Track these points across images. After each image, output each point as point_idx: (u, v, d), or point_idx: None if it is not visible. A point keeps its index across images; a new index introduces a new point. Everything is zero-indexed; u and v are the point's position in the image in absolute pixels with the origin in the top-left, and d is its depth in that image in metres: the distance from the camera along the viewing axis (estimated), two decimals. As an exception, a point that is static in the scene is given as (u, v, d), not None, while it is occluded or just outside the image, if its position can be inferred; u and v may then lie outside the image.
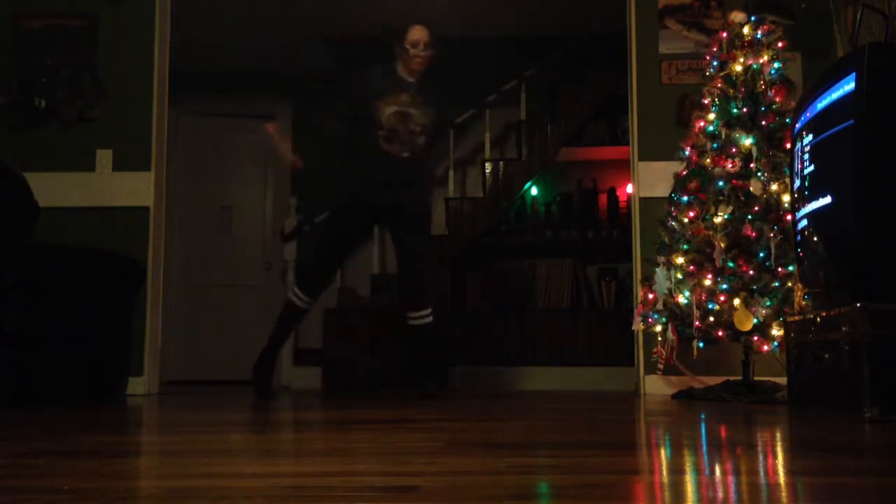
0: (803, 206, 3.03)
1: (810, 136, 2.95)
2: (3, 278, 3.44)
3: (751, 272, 3.58)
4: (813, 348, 2.90)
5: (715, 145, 3.79)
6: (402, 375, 4.99)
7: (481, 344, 5.84)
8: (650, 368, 4.12)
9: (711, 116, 3.85)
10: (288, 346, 5.48)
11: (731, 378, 3.79)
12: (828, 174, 2.86)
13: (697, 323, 3.63)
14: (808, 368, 2.96)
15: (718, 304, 3.61)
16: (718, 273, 3.63)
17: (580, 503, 1.17)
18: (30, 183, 3.82)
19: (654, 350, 3.89)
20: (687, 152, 3.89)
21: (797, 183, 3.11)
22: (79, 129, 4.49)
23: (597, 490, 1.26)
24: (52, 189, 4.28)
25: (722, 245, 3.64)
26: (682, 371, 3.99)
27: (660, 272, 3.81)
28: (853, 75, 2.64)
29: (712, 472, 1.48)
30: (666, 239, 3.88)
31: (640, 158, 4.41)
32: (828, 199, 2.81)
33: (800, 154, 3.06)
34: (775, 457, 1.71)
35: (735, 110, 3.79)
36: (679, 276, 3.73)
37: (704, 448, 1.85)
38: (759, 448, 1.86)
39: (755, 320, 3.53)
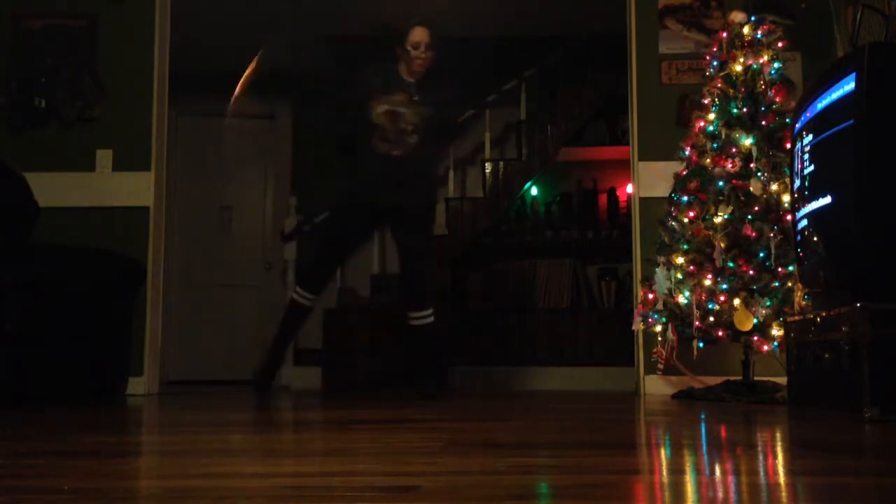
0: (803, 206, 3.03)
1: (810, 136, 2.95)
2: (3, 278, 3.44)
3: (751, 272, 3.58)
4: (813, 348, 2.90)
5: (715, 145, 3.79)
6: (402, 375, 4.98)
7: (481, 344, 5.84)
8: (650, 368, 4.12)
9: (711, 116, 3.85)
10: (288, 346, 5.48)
11: (731, 378, 3.79)
12: (828, 174, 2.86)
13: (697, 323, 3.63)
14: (808, 368, 2.96)
15: (718, 304, 3.61)
16: (718, 273, 3.63)
17: (580, 503, 1.17)
18: (30, 183, 3.81)
19: (654, 350, 3.89)
20: (687, 152, 3.89)
21: (797, 183, 3.11)
22: (79, 129, 4.49)
23: (597, 490, 1.26)
24: (52, 189, 4.28)
25: (722, 245, 3.64)
26: (682, 371, 3.99)
27: (660, 272, 3.81)
28: (853, 75, 2.64)
29: (712, 472, 1.48)
30: (666, 239, 3.88)
31: (640, 158, 4.41)
32: (828, 199, 2.81)
33: (800, 154, 3.06)
34: (775, 457, 1.71)
35: (735, 110, 3.79)
36: (679, 276, 3.73)
37: (704, 448, 1.85)
38: (759, 448, 1.86)
39: (755, 320, 3.53)
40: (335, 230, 4.35)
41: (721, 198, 3.71)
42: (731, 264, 3.61)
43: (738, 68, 3.83)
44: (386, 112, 4.03)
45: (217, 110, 7.00)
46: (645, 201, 4.37)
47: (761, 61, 3.81)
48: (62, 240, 4.06)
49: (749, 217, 3.64)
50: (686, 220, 3.77)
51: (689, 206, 3.78)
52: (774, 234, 3.59)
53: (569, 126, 6.09)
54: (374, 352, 5.30)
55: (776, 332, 3.54)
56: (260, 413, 3.27)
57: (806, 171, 2.99)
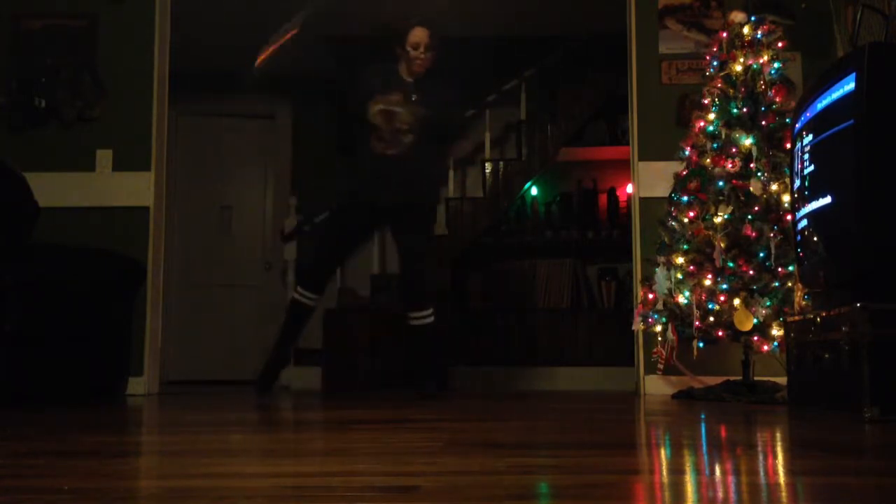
0: (803, 206, 3.03)
1: (810, 136, 2.95)
2: (3, 278, 3.44)
3: (751, 272, 3.58)
4: (813, 348, 2.90)
5: (715, 145, 3.79)
6: (402, 375, 4.99)
7: (482, 344, 5.84)
8: (650, 368, 4.12)
9: (711, 116, 3.85)
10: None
11: (731, 378, 3.79)
12: (828, 174, 2.86)
13: (697, 323, 3.63)
14: (808, 368, 2.96)
15: (718, 304, 3.61)
16: (718, 273, 3.63)
17: (580, 503, 1.17)
18: (30, 183, 3.81)
19: (654, 350, 3.89)
20: (687, 152, 3.89)
21: (797, 183, 3.11)
22: (79, 129, 4.49)
23: (597, 490, 1.26)
24: (52, 189, 4.28)
25: (722, 245, 3.64)
26: (682, 371, 3.99)
27: (660, 272, 3.81)
28: (853, 75, 2.64)
29: (712, 472, 1.48)
30: (666, 239, 3.88)
31: (640, 158, 4.41)
32: (828, 199, 2.81)
33: (800, 154, 3.06)
34: (775, 457, 1.71)
35: (735, 110, 3.79)
36: (679, 276, 3.73)
37: (704, 448, 1.85)
38: (759, 448, 1.86)
39: (755, 320, 3.53)
40: (335, 230, 4.35)
41: (721, 198, 3.71)
42: (731, 264, 3.61)
43: (738, 68, 3.83)
44: (381, 111, 4.04)
45: (217, 110, 7.04)
46: (645, 201, 4.37)
47: (761, 61, 3.81)
48: (62, 240, 4.06)
49: (749, 217, 3.64)
50: (686, 220, 3.78)
51: (689, 206, 3.78)
52: (774, 234, 3.59)
53: (569, 126, 6.09)
54: (374, 352, 5.30)
55: (776, 332, 3.54)
56: (260, 413, 3.27)
57: (806, 171, 2.99)
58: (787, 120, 3.67)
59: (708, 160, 3.77)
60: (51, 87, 4.48)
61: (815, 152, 2.91)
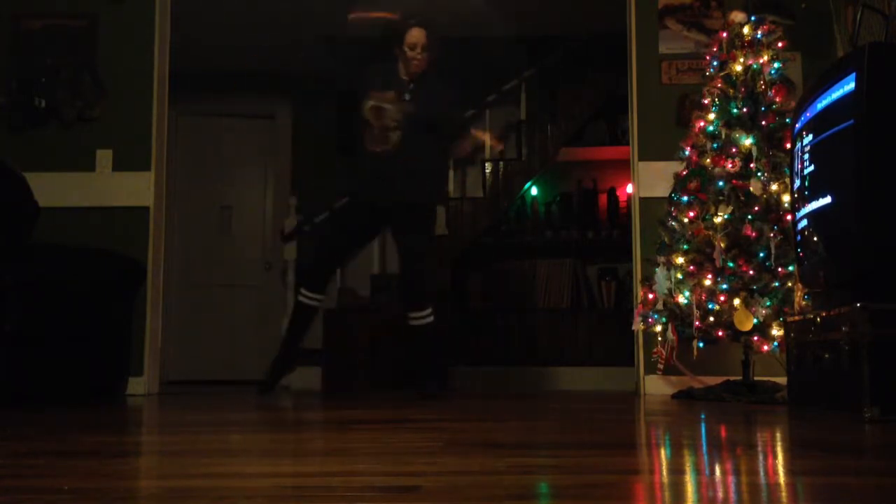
0: (803, 206, 3.03)
1: (810, 136, 2.95)
2: (3, 278, 3.44)
3: (751, 272, 3.58)
4: (813, 348, 2.90)
5: (715, 145, 3.79)
6: (402, 375, 4.98)
7: (482, 344, 5.84)
8: (650, 368, 4.12)
9: (711, 116, 3.85)
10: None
11: (731, 378, 3.79)
12: (828, 174, 2.86)
13: (697, 323, 3.63)
14: (808, 368, 2.96)
15: (718, 304, 3.61)
16: (718, 273, 3.63)
17: (580, 503, 1.17)
18: (30, 183, 3.82)
19: (654, 350, 3.89)
20: (687, 152, 3.89)
21: (797, 183, 3.11)
22: (79, 129, 4.49)
23: (597, 490, 1.26)
24: (52, 189, 4.28)
25: (722, 245, 3.64)
26: (682, 371, 3.99)
27: (660, 272, 3.81)
28: (853, 75, 2.64)
29: (712, 472, 1.48)
30: (666, 239, 3.88)
31: (640, 158, 4.41)
32: (828, 199, 2.81)
33: (800, 154, 3.06)
34: (775, 457, 1.71)
35: (735, 110, 3.79)
36: (679, 276, 3.73)
37: (704, 448, 1.85)
38: (759, 448, 1.86)
39: (755, 320, 3.53)
40: (335, 230, 4.35)
41: (721, 198, 3.71)
42: (731, 264, 3.61)
43: (738, 68, 3.83)
44: (372, 107, 4.05)
45: (217, 110, 7.04)
46: (645, 201, 4.37)
47: (761, 61, 3.81)
48: (62, 240, 4.06)
49: (749, 217, 3.64)
50: (686, 220, 3.78)
51: (689, 206, 3.78)
52: (774, 234, 3.59)
53: (569, 126, 6.09)
54: (374, 352, 5.30)
55: (776, 332, 3.54)
56: (260, 413, 3.27)
57: (806, 171, 2.99)
58: (787, 120, 3.67)
59: (708, 160, 3.77)
60: (51, 87, 4.48)
61: (815, 152, 2.91)
